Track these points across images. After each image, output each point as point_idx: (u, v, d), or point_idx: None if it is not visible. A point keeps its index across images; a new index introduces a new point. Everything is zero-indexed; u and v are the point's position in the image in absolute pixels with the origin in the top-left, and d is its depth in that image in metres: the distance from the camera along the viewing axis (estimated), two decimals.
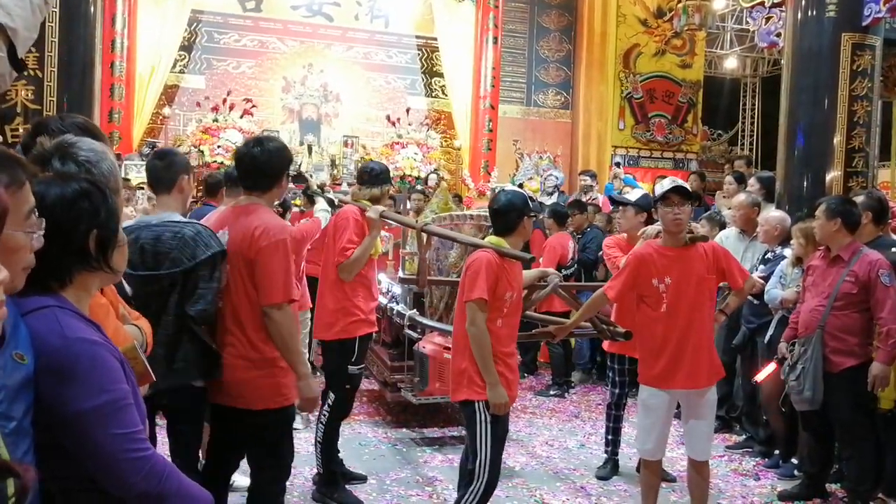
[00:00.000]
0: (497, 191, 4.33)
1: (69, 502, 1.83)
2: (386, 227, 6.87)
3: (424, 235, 5.14)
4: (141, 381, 2.12)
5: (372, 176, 5.21)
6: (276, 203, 6.10)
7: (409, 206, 9.44)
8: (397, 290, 6.83)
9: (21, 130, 6.54)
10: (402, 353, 6.49)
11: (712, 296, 4.29)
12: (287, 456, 3.84)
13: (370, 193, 5.15)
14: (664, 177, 5.56)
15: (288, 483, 5.19)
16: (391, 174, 8.85)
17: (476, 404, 3.89)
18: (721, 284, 4.49)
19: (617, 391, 5.67)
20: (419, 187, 11.42)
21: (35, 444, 1.70)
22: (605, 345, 5.68)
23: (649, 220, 5.61)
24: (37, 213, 1.66)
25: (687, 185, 4.41)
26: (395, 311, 6.50)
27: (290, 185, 8.39)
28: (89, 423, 1.74)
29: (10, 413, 1.59)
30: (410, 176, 12.49)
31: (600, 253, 7.86)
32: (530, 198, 4.81)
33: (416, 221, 5.85)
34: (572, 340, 8.31)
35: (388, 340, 7.01)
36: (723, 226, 6.95)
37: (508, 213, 4.02)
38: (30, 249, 1.64)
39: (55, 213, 1.79)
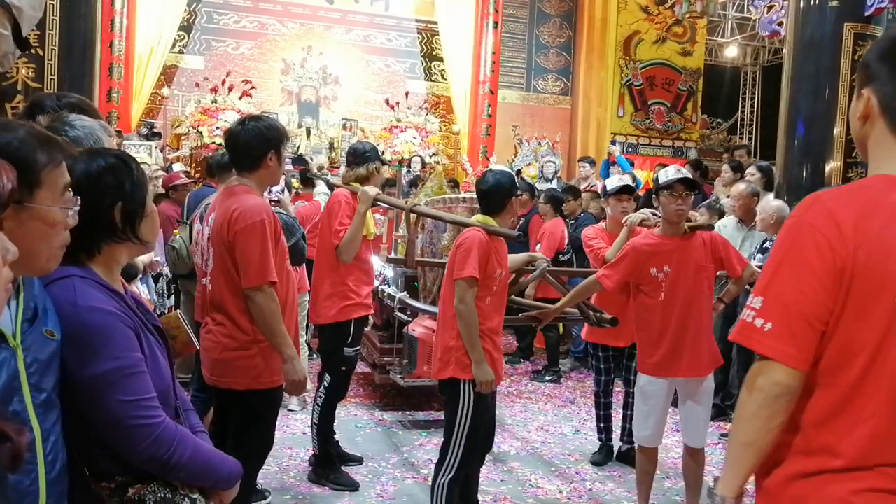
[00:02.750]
0: (485, 171, 4.32)
1: (91, 466, 1.89)
2: (381, 209, 6.87)
3: (413, 216, 5.15)
4: (185, 349, 2.31)
5: (358, 155, 5.21)
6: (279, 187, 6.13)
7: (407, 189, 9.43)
8: (389, 272, 6.84)
9: (21, 108, 6.54)
10: (392, 336, 6.49)
11: (710, 284, 4.29)
12: (264, 438, 3.80)
13: (356, 174, 5.14)
14: (663, 165, 5.56)
15: (284, 464, 5.25)
16: (389, 158, 8.72)
17: (462, 384, 3.87)
18: (720, 272, 4.49)
19: (602, 378, 5.70)
20: (416, 170, 11.42)
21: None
22: (584, 333, 5.68)
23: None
24: (72, 192, 1.72)
25: (692, 176, 4.41)
26: (386, 294, 6.50)
27: (290, 167, 8.40)
28: (97, 388, 1.82)
29: (41, 385, 1.68)
30: (408, 160, 12.47)
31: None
32: (518, 171, 4.82)
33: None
34: (560, 326, 8.32)
35: (378, 323, 7.01)
36: (721, 214, 6.96)
37: (496, 194, 4.02)
38: (65, 226, 1.70)
39: (81, 188, 1.87)
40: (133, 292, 2.16)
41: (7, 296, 1.37)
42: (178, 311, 2.32)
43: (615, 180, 5.96)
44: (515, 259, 4.37)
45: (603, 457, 5.71)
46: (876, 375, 1.64)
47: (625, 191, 5.66)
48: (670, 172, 4.31)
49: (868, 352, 1.64)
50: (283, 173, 5.72)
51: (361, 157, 5.18)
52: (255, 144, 3.64)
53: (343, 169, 10.61)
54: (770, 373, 1.68)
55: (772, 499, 1.75)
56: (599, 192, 10.06)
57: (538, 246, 7.93)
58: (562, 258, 8.03)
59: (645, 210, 5.61)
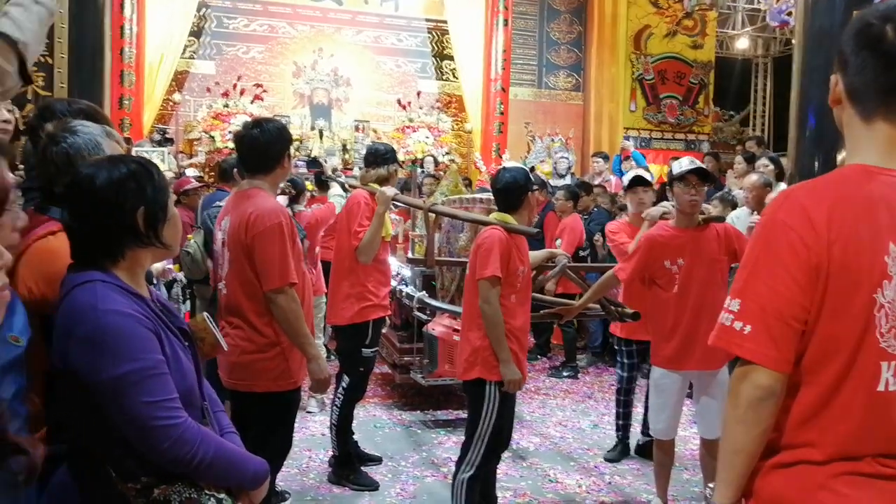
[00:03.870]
0: (499, 169, 4.33)
1: (115, 465, 1.92)
2: (395, 210, 6.88)
3: (432, 215, 5.16)
4: (213, 351, 2.38)
5: (377, 156, 5.24)
6: (287, 185, 6.15)
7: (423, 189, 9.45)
8: (407, 272, 6.85)
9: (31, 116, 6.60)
10: (412, 336, 6.50)
11: (724, 276, 4.27)
12: (284, 440, 3.85)
13: (377, 174, 5.17)
14: (676, 159, 5.55)
15: (304, 465, 5.27)
16: (402, 158, 8.67)
17: (488, 385, 3.88)
18: (733, 265, 4.47)
19: (625, 375, 5.67)
20: (428, 170, 11.42)
21: (84, 410, 1.84)
22: (613, 328, 5.68)
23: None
24: (17, 193, 1.73)
25: (706, 167, 4.39)
26: (404, 294, 6.51)
27: (304, 169, 8.43)
28: (117, 390, 1.84)
29: None
30: (421, 160, 12.47)
31: (595, 237, 8.07)
32: (532, 168, 4.82)
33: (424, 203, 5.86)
34: (575, 321, 8.31)
35: (397, 323, 7.03)
36: (735, 206, 6.93)
37: (512, 191, 4.03)
38: (10, 228, 1.71)
39: (104, 194, 1.92)
40: (158, 295, 2.18)
41: (6, 301, 1.39)
42: (206, 313, 2.36)
43: (629, 174, 5.96)
44: (535, 256, 4.38)
45: (617, 454, 5.71)
46: (857, 372, 1.62)
47: (637, 182, 5.63)
48: (684, 163, 4.30)
49: (848, 349, 1.62)
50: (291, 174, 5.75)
51: (381, 158, 5.21)
52: (276, 145, 3.70)
53: (357, 170, 10.65)
54: (752, 376, 1.66)
55: (752, 493, 1.73)
56: (613, 186, 10.10)
57: (557, 242, 7.96)
58: (581, 253, 8.11)
59: (665, 203, 5.56)
